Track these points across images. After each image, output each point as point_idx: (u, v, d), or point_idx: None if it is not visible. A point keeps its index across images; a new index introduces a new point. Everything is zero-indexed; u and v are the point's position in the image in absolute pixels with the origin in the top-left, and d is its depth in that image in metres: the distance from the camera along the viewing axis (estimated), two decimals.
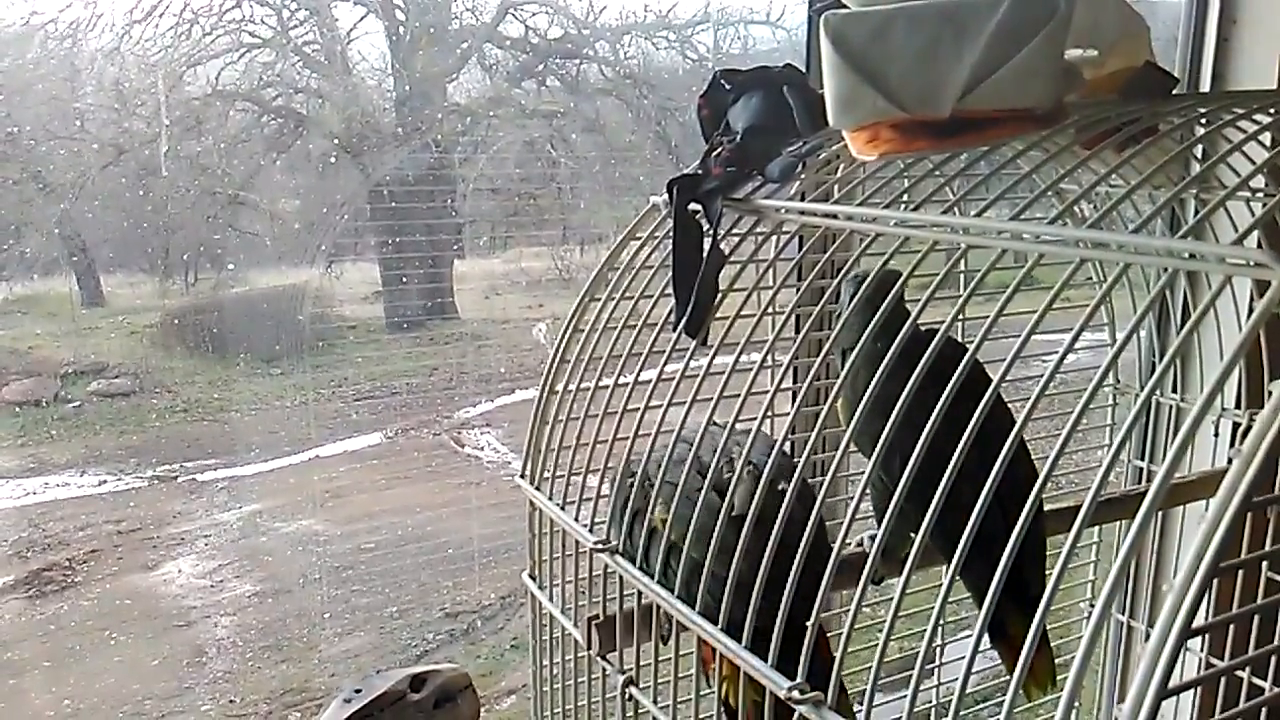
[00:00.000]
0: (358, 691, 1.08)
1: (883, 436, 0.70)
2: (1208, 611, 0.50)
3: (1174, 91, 0.97)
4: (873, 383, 0.71)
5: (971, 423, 0.64)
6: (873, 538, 0.91)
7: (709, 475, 0.85)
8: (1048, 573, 0.86)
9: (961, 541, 0.61)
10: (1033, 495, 0.60)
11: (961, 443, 0.64)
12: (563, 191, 5.00)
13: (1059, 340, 0.69)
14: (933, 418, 0.66)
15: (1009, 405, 0.90)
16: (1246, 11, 1.44)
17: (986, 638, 0.98)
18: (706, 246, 0.92)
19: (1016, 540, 0.59)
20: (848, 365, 0.81)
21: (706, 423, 0.88)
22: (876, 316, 0.76)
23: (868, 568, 0.68)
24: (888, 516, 0.67)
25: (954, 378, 0.68)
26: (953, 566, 0.62)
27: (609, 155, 4.83)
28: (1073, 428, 0.62)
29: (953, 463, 0.63)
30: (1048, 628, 1.02)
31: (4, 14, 4.00)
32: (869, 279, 0.83)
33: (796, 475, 0.77)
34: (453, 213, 4.69)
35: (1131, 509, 0.80)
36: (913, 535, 0.66)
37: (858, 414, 0.73)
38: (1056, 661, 1.01)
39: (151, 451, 4.19)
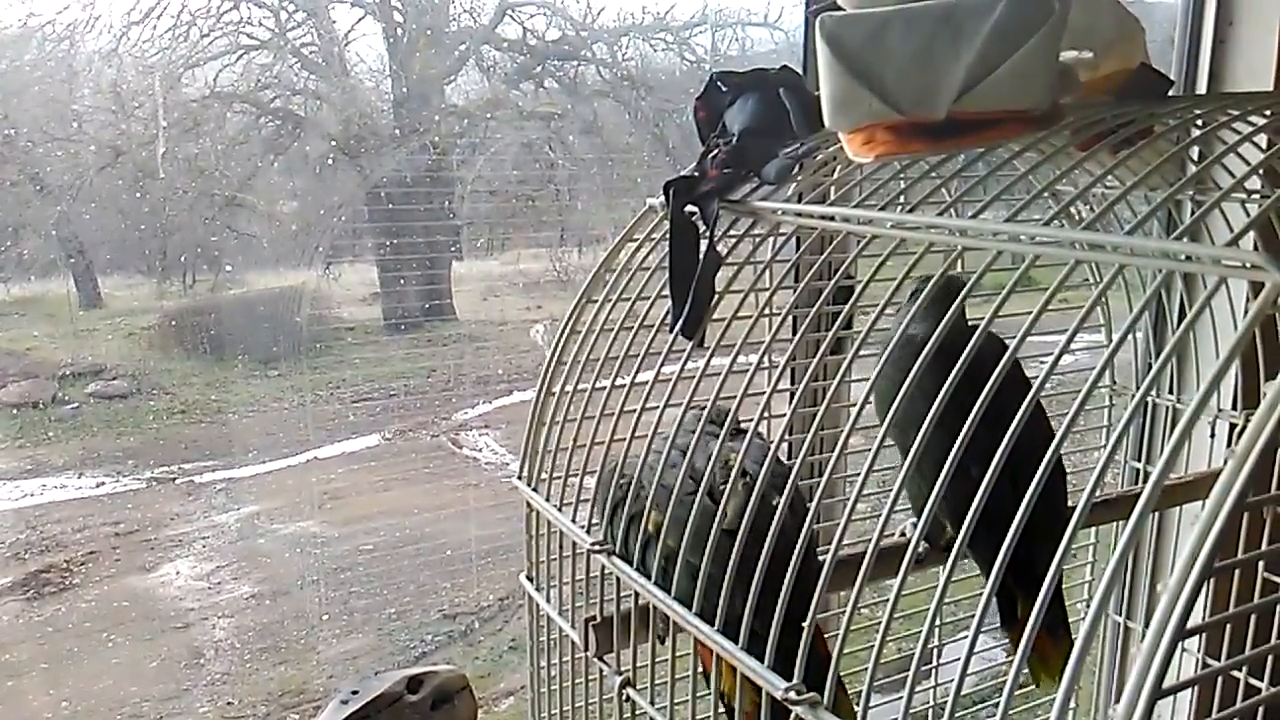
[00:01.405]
0: (355, 693, 1.08)
1: (924, 423, 0.68)
2: (1204, 612, 0.50)
3: (1170, 93, 0.97)
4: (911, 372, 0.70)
5: (972, 410, 0.64)
6: (914, 525, 0.90)
7: (703, 481, 0.85)
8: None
9: (967, 519, 0.61)
10: (1037, 475, 0.59)
11: (965, 426, 0.63)
12: (560, 193, 4.99)
13: (1056, 341, 0.69)
14: (940, 393, 0.66)
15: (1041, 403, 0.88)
16: (1243, 13, 1.44)
17: (998, 627, 0.98)
18: (703, 248, 0.92)
19: (1020, 520, 0.58)
20: (885, 354, 0.80)
21: (702, 427, 0.88)
22: (919, 304, 0.76)
23: (908, 555, 0.67)
24: (929, 506, 0.65)
25: (956, 367, 0.67)
26: (952, 556, 0.62)
27: (607, 157, 4.82)
28: (1068, 428, 0.62)
29: (957, 441, 0.63)
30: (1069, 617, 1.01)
31: (1, 15, 4.00)
32: (934, 281, 0.82)
33: (790, 482, 0.77)
34: (451, 214, 4.68)
35: (1127, 510, 0.80)
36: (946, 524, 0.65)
37: (899, 400, 0.71)
38: None
39: (149, 453, 4.18)
